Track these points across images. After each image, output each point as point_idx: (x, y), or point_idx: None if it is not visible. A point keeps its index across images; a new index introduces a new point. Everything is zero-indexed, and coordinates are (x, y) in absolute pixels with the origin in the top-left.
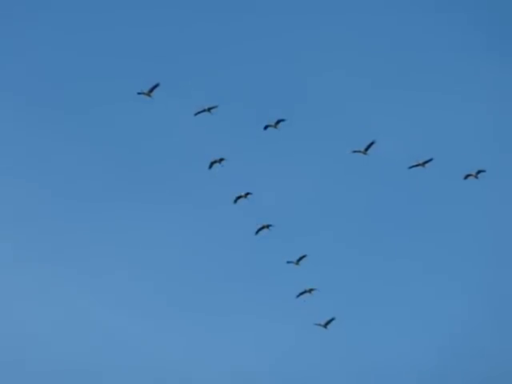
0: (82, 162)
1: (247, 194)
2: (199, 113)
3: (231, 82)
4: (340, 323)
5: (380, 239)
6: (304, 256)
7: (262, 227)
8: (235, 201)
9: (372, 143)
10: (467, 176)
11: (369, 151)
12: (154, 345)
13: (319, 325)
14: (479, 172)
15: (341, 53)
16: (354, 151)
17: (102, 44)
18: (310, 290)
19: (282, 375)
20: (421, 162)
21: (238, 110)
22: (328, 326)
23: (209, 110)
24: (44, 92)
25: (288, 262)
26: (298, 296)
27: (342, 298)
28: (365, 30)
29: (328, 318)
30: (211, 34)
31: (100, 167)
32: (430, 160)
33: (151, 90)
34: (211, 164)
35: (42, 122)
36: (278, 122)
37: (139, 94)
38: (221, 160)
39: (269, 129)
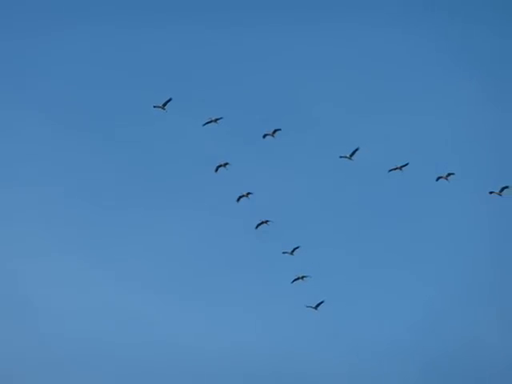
0: (105, 168)
1: (248, 193)
2: (207, 123)
3: (235, 96)
4: (329, 305)
5: (363, 232)
6: (297, 247)
7: (262, 222)
8: (238, 200)
9: (356, 149)
10: (439, 178)
11: (353, 157)
12: (167, 321)
13: (310, 307)
14: (449, 174)
15: (331, 71)
16: (341, 157)
17: (120, 62)
18: (303, 277)
19: (279, 350)
20: (398, 166)
21: (240, 121)
22: (318, 308)
23: (215, 120)
24: (67, 107)
25: (284, 253)
26: (292, 281)
27: (330, 283)
28: (352, 60)
29: (318, 301)
30: (219, 55)
31: (121, 172)
32: (406, 164)
33: (165, 104)
34: (217, 167)
35: (68, 136)
36: (275, 131)
37: (155, 107)
38: (225, 164)
39: (267, 137)
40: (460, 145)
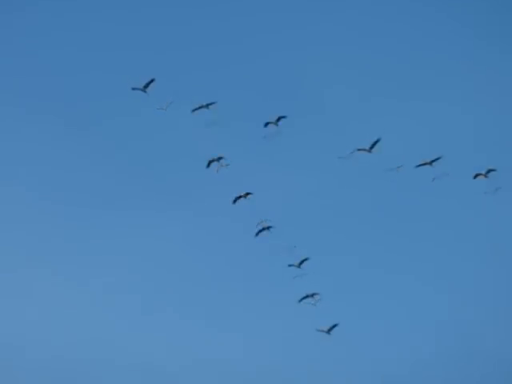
0: (79, 169)
1: (247, 194)
2: (196, 109)
3: (233, 84)
4: (341, 323)
5: (376, 239)
6: (306, 259)
7: (263, 229)
8: (234, 201)
9: (377, 141)
10: (477, 175)
11: (373, 149)
12: (155, 349)
13: (322, 331)
14: (489, 171)
15: (341, 52)
16: (359, 149)
17: (99, 44)
18: (313, 295)
19: (281, 371)
20: (428, 160)
21: (239, 112)
22: (331, 332)
23: (207, 106)
24: (51, 101)
25: (290, 266)
26: (300, 300)
27: (339, 297)
28: (365, 27)
29: (331, 325)
30: (215, 36)
31: (98, 174)
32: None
33: (147, 86)
34: (209, 162)
35: (49, 131)
36: (279, 118)
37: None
38: (219, 159)
39: (269, 126)
40: (483, 140)
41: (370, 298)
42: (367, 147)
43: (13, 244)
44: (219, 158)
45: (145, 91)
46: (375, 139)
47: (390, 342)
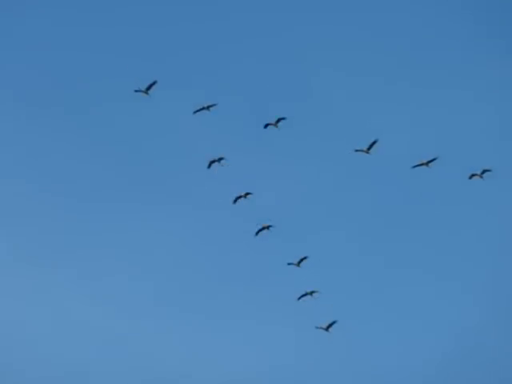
0: (80, 161)
1: (247, 194)
2: (198, 111)
3: (232, 81)
4: (342, 326)
5: (382, 240)
6: (305, 258)
7: (263, 228)
8: (235, 201)
9: (374, 142)
10: (472, 176)
11: (371, 150)
12: (153, 347)
13: (321, 328)
14: (484, 171)
15: (344, 51)
16: (357, 150)
17: (101, 42)
18: (312, 293)
19: (282, 378)
20: (425, 161)
21: (238, 109)
22: (330, 330)
23: (208, 108)
24: (43, 91)
25: (289, 264)
26: (299, 298)
27: (343, 299)
28: (368, 27)
29: (330, 321)
30: (212, 31)
31: (98, 167)
32: (435, 159)
33: (149, 88)
34: (210, 163)
35: (41, 121)
36: (279, 120)
37: (136, 91)
38: (220, 159)
39: (269, 128)
40: (498, 137)
41: (369, 298)
42: (365, 148)
43: (13, 238)
44: (220, 159)
45: (147, 93)
46: (373, 140)
47: (390, 341)
